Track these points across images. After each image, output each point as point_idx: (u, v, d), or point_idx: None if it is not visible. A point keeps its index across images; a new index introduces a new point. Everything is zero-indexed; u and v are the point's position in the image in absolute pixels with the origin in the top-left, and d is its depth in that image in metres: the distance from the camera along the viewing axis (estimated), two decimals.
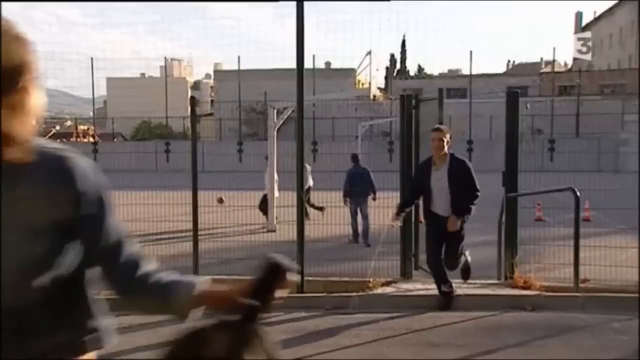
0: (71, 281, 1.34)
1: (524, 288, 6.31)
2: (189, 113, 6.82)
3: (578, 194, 6.17)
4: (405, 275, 6.93)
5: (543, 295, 6.05)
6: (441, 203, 5.75)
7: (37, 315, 1.31)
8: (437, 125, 5.97)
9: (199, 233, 7.36)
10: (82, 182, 1.31)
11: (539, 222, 10.57)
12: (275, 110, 11.86)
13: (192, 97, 7.15)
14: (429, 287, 6.39)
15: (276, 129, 11.78)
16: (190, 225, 7.28)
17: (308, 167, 12.87)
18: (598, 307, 5.64)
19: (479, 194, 5.67)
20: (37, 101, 1.28)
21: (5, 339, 1.27)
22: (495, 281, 6.79)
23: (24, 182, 1.26)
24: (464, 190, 5.65)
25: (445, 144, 5.67)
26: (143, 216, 9.20)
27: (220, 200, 10.84)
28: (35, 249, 1.27)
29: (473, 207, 5.69)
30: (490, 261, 7.23)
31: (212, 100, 52.10)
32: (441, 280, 5.92)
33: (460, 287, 6.44)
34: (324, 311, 5.87)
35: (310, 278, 6.36)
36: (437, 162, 5.76)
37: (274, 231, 10.60)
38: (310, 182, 12.45)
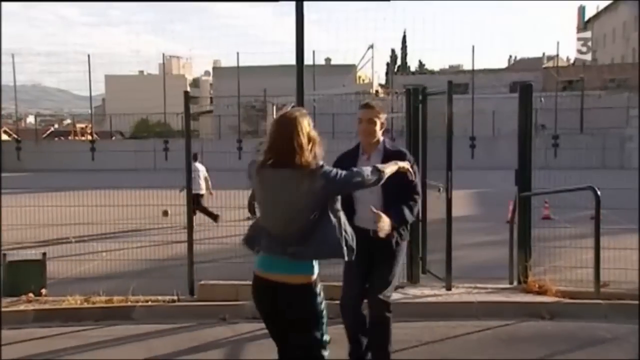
0: (317, 220, 2.90)
1: (539, 293, 5.93)
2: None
3: (599, 193, 5.79)
4: (412, 279, 6.56)
5: (562, 302, 5.66)
6: (369, 208, 3.69)
7: (293, 237, 2.92)
8: (367, 101, 4.25)
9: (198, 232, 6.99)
10: (326, 178, 2.89)
11: (547, 220, 10.22)
12: (274, 107, 11.53)
13: (186, 92, 6.71)
14: (438, 293, 6.02)
15: None
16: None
17: (199, 167, 11.46)
18: (622, 315, 5.27)
19: (418, 198, 3.99)
20: (318, 147, 2.94)
21: (275, 245, 2.97)
22: (507, 285, 6.42)
23: (303, 180, 2.85)
24: (401, 190, 3.87)
25: (377, 127, 4.01)
26: (143, 215, 8.92)
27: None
28: (298, 210, 2.88)
29: (411, 218, 4.00)
30: (498, 262, 6.87)
31: (211, 98, 51.73)
32: (356, 333, 4.32)
33: (471, 293, 6.07)
34: (327, 319, 5.49)
35: None
36: (368, 150, 4.10)
37: None
38: (202, 188, 11.35)
